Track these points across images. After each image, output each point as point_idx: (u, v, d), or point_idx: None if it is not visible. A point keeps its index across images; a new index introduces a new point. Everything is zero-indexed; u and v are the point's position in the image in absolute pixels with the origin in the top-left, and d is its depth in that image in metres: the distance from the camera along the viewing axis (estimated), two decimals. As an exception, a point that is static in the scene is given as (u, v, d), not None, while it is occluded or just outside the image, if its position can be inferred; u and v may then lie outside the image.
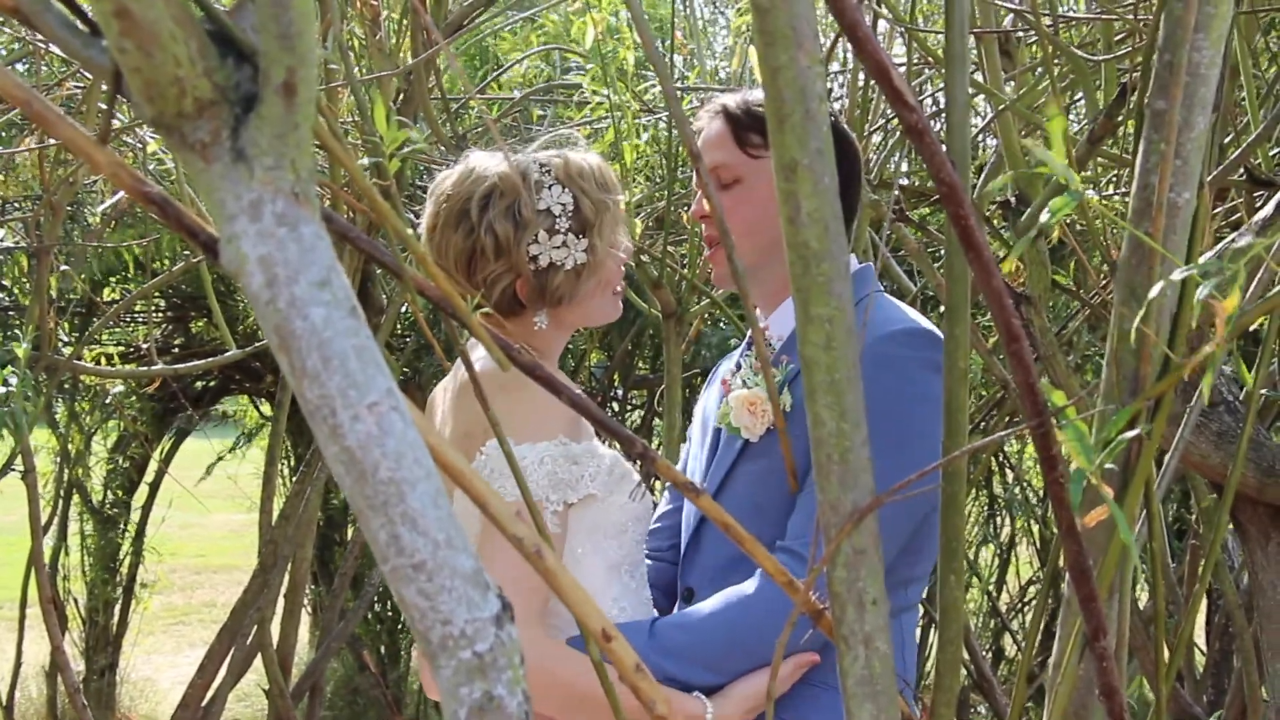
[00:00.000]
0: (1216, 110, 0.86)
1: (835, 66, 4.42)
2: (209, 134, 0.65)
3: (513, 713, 0.69)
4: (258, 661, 4.91)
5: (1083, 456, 0.80)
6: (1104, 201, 2.87)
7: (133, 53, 0.62)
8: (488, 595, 0.70)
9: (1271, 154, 2.91)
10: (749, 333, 2.28)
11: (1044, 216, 0.78)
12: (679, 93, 3.75)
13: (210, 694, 4.75)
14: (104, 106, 0.72)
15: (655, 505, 2.29)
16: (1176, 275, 0.75)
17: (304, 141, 0.67)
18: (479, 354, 2.10)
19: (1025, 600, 7.56)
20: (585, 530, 2.06)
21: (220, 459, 7.54)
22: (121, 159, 0.68)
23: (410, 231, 0.79)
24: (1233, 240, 1.95)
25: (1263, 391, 2.74)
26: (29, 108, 0.65)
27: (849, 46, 3.61)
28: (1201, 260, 0.78)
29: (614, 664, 0.84)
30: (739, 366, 2.22)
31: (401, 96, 3.95)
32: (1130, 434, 0.85)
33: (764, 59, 0.79)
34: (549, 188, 2.08)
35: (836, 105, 4.07)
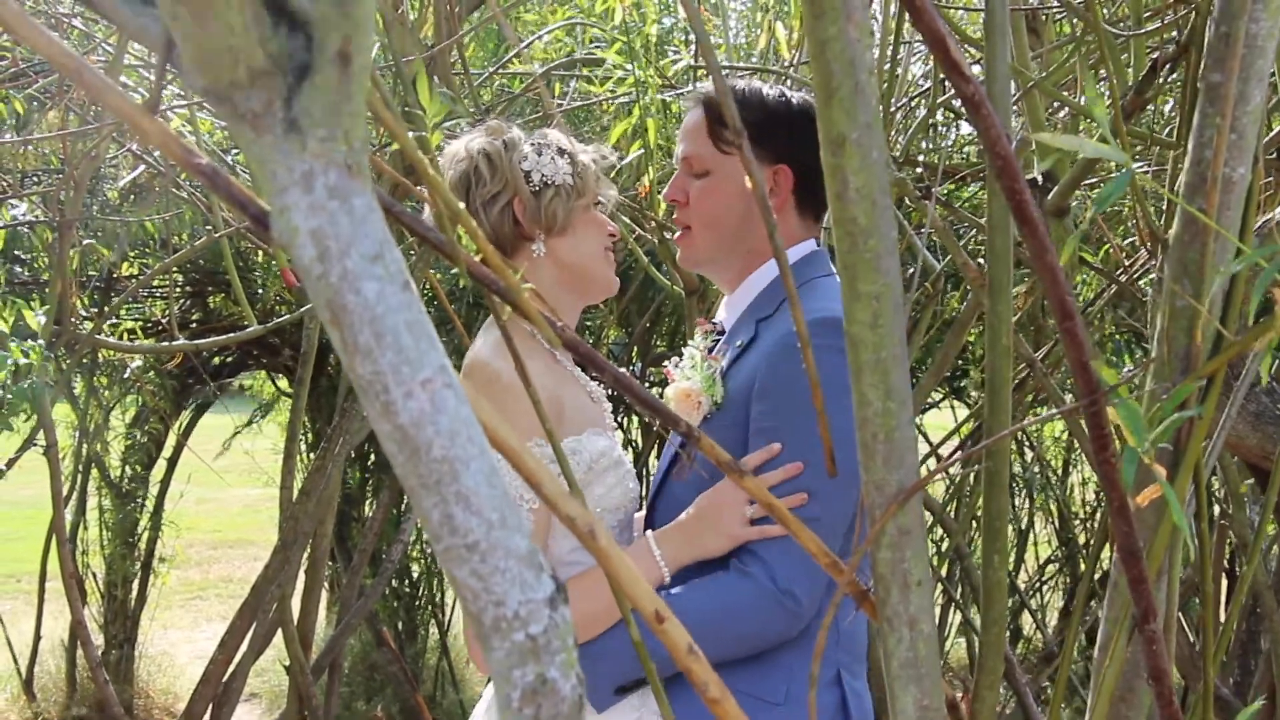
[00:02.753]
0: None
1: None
2: (261, 104, 0.64)
3: (566, 695, 0.69)
4: (277, 638, 4.93)
5: (1135, 436, 0.79)
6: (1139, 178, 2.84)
7: (186, 20, 0.61)
8: (541, 576, 0.69)
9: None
10: (696, 325, 2.38)
11: (1099, 201, 0.77)
12: (720, 70, 3.73)
13: (231, 669, 4.77)
14: (155, 76, 0.71)
15: (638, 496, 2.33)
16: (1237, 266, 0.73)
17: (358, 112, 0.66)
18: (474, 344, 2.19)
19: (1044, 579, 7.54)
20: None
21: (237, 433, 7.54)
22: (170, 129, 0.67)
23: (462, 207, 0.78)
24: (1273, 216, 1.92)
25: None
26: (79, 77, 0.64)
27: (882, 20, 3.59)
28: (1268, 247, 0.77)
29: (668, 647, 0.83)
30: (681, 357, 2.27)
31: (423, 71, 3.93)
32: (1186, 414, 0.84)
33: (812, 31, 0.78)
34: (531, 140, 2.29)
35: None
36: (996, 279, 0.84)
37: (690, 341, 2.33)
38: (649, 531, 2.13)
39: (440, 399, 0.67)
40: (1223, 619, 5.95)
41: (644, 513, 2.33)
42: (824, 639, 0.96)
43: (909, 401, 0.89)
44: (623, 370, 0.89)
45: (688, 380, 2.20)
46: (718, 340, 2.27)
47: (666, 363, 2.35)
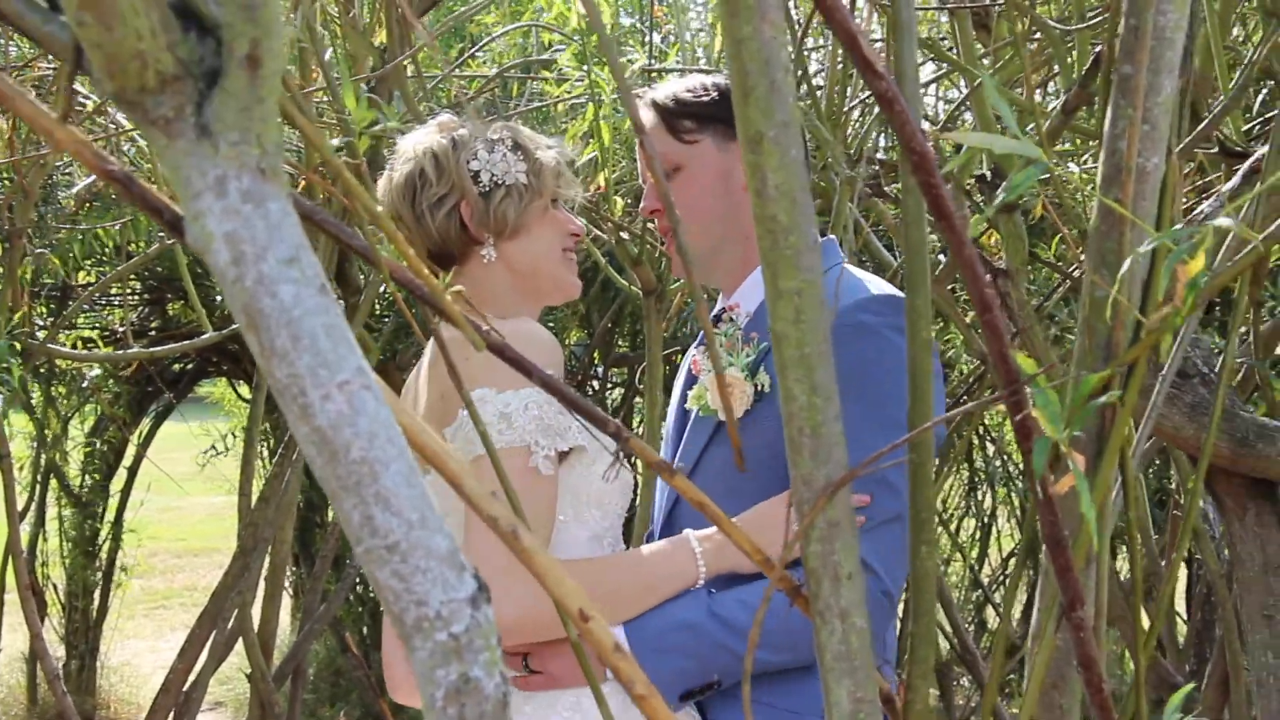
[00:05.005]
0: (1183, 77, 0.86)
1: (813, 42, 4.41)
2: (172, 109, 0.64)
3: (490, 694, 0.69)
4: (240, 645, 4.91)
5: (1051, 424, 0.80)
6: (1084, 174, 2.87)
7: (92, 26, 0.61)
8: (463, 576, 0.69)
9: (1246, 128, 2.92)
10: (717, 308, 2.27)
11: (1006, 191, 0.78)
12: (657, 73, 3.74)
13: (192, 678, 4.74)
14: (64, 83, 0.71)
15: (635, 482, 2.28)
16: (1146, 246, 0.75)
17: (270, 115, 0.66)
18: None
19: (1007, 572, 7.60)
20: (569, 495, 2.05)
21: (217, 453, 7.46)
22: (83, 136, 0.67)
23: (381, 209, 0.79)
24: (1202, 210, 1.95)
25: (1239, 360, 2.75)
26: (-11, 85, 0.64)
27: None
28: (1174, 228, 0.78)
29: (592, 645, 0.83)
30: (705, 344, 2.22)
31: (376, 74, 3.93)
32: (1100, 400, 0.85)
33: (727, 31, 0.78)
34: (485, 137, 2.18)
35: (817, 80, 4.06)
36: (914, 273, 0.86)
37: (724, 325, 2.22)
38: (689, 531, 2.03)
39: (358, 401, 0.67)
40: (1182, 610, 6.01)
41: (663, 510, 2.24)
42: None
43: (835, 397, 0.89)
44: (549, 373, 0.89)
45: (729, 368, 2.08)
46: (742, 327, 2.15)
47: (692, 351, 2.28)
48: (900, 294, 2.04)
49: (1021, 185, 0.74)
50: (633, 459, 2.31)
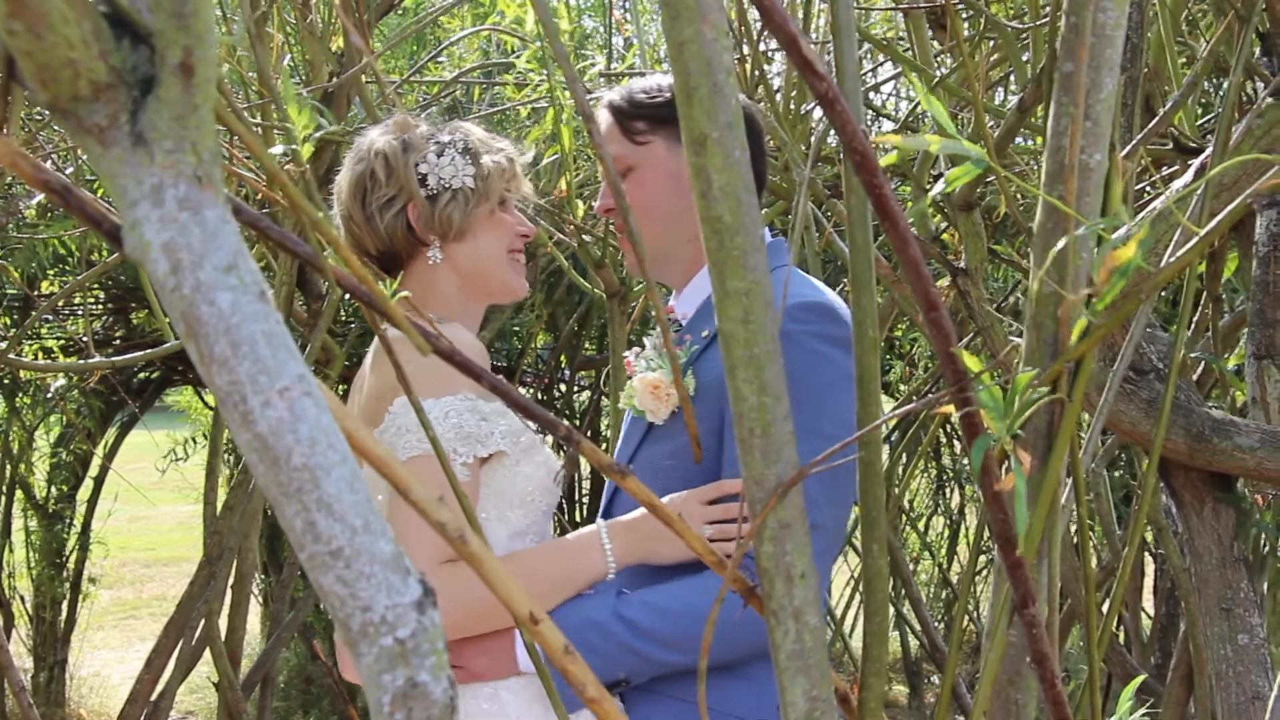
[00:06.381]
0: (1125, 72, 0.86)
1: (775, 43, 4.42)
2: (106, 118, 0.64)
3: (437, 698, 0.69)
4: (209, 654, 4.89)
5: (995, 421, 0.80)
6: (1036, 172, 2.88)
7: (22, 35, 0.60)
8: (408, 580, 0.69)
9: (1200, 123, 2.94)
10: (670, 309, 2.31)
11: (941, 185, 0.78)
12: (617, 76, 3.74)
13: (159, 689, 4.72)
14: None
15: (560, 477, 2.31)
16: (1079, 231, 0.75)
17: (205, 123, 0.66)
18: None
19: (976, 570, 7.63)
20: (492, 496, 2.10)
21: (177, 459, 7.43)
22: (19, 147, 0.66)
23: (321, 215, 0.78)
24: (1153, 207, 1.97)
25: (1194, 354, 2.77)
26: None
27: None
28: (1108, 219, 0.79)
29: (542, 646, 0.83)
30: (643, 347, 2.26)
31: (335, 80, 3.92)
32: (1044, 398, 0.85)
33: (669, 33, 0.79)
34: (437, 139, 2.21)
35: (775, 82, 4.07)
36: (858, 274, 0.86)
37: (651, 331, 2.30)
38: (601, 521, 2.09)
39: (299, 407, 0.67)
40: (1146, 604, 6.04)
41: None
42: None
43: (784, 397, 0.90)
44: (499, 376, 0.89)
45: (655, 371, 2.15)
46: (678, 330, 2.23)
47: (627, 353, 2.31)
48: (826, 300, 2.06)
49: (957, 180, 0.74)
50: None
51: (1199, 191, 1.41)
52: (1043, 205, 0.91)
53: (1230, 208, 1.01)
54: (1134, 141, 1.84)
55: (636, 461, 2.16)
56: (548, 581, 2.02)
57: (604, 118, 2.26)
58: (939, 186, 0.78)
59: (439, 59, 4.84)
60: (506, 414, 2.09)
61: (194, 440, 7.50)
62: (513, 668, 2.03)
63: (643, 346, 2.27)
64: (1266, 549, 2.62)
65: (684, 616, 1.98)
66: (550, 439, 6.06)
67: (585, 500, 7.44)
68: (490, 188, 2.21)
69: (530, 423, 2.17)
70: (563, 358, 6.85)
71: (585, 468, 7.17)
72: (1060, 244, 0.80)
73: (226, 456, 5.77)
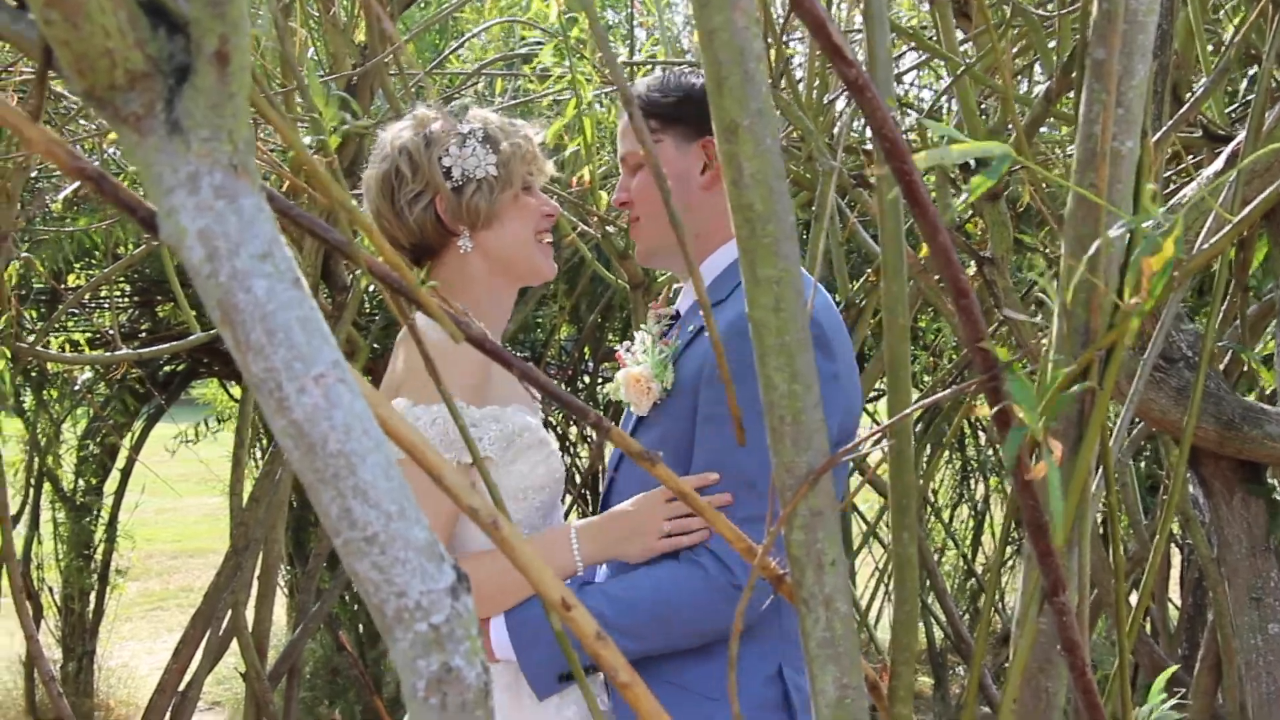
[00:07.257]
0: (1156, 58, 0.86)
1: (799, 34, 4.41)
2: (142, 106, 0.64)
3: (471, 683, 0.69)
4: (236, 645, 4.91)
5: (1027, 411, 0.80)
6: (1067, 160, 2.87)
7: (60, 25, 0.61)
8: (442, 567, 0.69)
9: (1229, 109, 2.92)
10: (648, 309, 2.40)
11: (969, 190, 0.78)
12: (638, 66, 3.74)
13: (186, 679, 4.74)
14: (36, 82, 0.71)
15: (563, 477, 2.35)
16: (1116, 230, 0.75)
17: (240, 111, 0.66)
18: (420, 320, 2.16)
19: (1002, 560, 7.60)
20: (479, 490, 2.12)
21: (186, 442, 7.45)
22: (56, 135, 0.67)
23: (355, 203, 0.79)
24: (1184, 194, 1.96)
25: (1221, 343, 2.75)
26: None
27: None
28: (1147, 213, 0.79)
29: (576, 634, 0.83)
30: (634, 341, 2.29)
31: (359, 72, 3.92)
32: (1077, 387, 0.85)
33: (699, 22, 0.79)
34: (458, 129, 2.25)
35: (798, 73, 4.06)
36: (889, 261, 0.86)
37: (642, 326, 2.33)
38: (573, 520, 2.16)
39: (334, 394, 0.67)
40: (1172, 594, 6.02)
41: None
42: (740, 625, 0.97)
43: (815, 384, 0.90)
44: (529, 364, 0.89)
45: (639, 365, 2.20)
46: (671, 325, 2.28)
47: (618, 346, 2.35)
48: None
49: (979, 189, 0.74)
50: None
51: (1231, 179, 1.40)
52: (1073, 193, 0.91)
53: (1264, 195, 1.01)
54: (1164, 128, 1.83)
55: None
56: (516, 577, 2.03)
57: (623, 115, 2.31)
58: (962, 198, 0.78)
59: (459, 52, 4.85)
60: (498, 420, 2.15)
61: (206, 424, 7.53)
62: (488, 655, 2.08)
63: (633, 340, 2.30)
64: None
65: (643, 605, 2.05)
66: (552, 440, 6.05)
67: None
68: (512, 173, 2.25)
69: (536, 423, 2.22)
70: (586, 349, 6.85)
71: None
72: (1096, 244, 0.80)
73: (252, 448, 5.80)
